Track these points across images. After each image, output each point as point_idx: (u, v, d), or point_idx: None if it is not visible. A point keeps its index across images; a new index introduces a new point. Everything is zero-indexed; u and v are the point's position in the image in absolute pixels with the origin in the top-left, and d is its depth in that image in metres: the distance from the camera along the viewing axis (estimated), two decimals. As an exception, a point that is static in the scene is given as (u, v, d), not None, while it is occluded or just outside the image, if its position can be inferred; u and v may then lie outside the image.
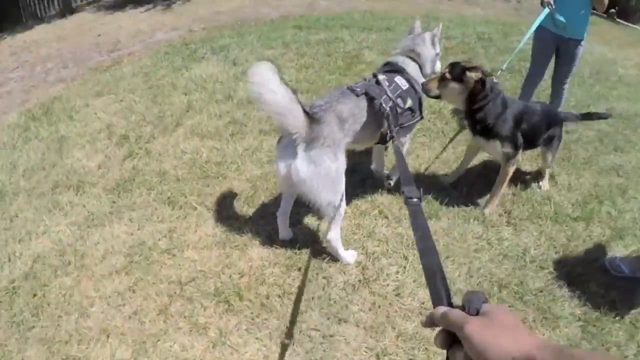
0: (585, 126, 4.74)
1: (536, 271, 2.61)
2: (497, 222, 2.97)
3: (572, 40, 3.68)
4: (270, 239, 2.57)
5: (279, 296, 2.26)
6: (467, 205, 3.06)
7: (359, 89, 2.36)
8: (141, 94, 4.19)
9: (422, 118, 2.75)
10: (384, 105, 2.36)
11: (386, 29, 6.37)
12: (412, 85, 2.58)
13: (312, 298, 2.25)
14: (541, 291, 2.47)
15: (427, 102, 2.95)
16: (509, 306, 2.34)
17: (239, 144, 3.36)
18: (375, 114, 2.39)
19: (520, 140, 2.92)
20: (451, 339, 0.60)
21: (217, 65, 4.70)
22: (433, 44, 2.81)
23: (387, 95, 2.41)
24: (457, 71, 2.62)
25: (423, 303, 2.29)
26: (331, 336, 2.09)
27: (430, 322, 0.64)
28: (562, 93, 4.04)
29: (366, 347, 2.08)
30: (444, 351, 0.62)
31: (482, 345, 0.54)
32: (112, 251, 2.52)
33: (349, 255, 2.43)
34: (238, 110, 3.79)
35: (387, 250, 2.57)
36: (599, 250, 2.92)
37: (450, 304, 0.68)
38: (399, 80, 2.53)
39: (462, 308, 0.63)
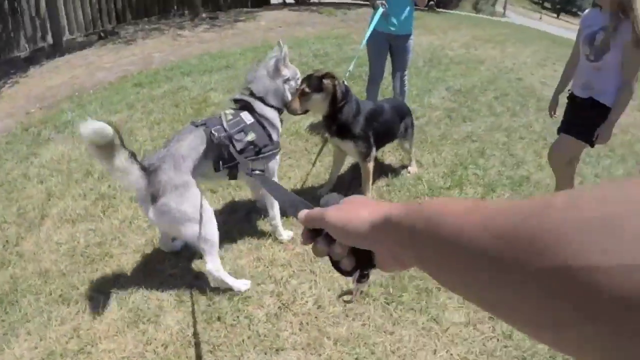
0: (431, 109, 5.53)
1: None
2: None
3: (402, 36, 4.29)
4: (179, 300, 2.58)
5: (210, 351, 2.30)
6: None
7: (199, 122, 2.62)
8: None
9: (274, 152, 2.85)
10: (214, 133, 2.51)
11: (226, 67, 6.62)
12: (258, 121, 2.75)
13: (242, 341, 2.33)
14: None
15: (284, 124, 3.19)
16: (417, 278, 2.71)
17: (114, 218, 3.29)
18: (214, 148, 2.56)
19: (372, 139, 3.30)
20: (327, 243, 0.64)
21: (65, 143, 4.53)
22: (275, 72, 2.87)
23: (222, 126, 2.59)
24: (314, 82, 2.98)
25: (345, 307, 2.52)
26: (275, 368, 2.21)
27: (305, 238, 0.68)
28: (404, 85, 4.65)
29: None
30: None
31: (342, 222, 0.59)
32: (20, 374, 2.30)
33: (240, 284, 2.59)
34: (101, 184, 3.72)
35: (294, 271, 2.78)
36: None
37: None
38: (245, 115, 2.72)
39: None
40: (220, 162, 2.59)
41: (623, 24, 2.73)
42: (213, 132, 2.52)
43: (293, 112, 3.00)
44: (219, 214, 3.28)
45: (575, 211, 0.32)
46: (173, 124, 4.71)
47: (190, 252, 2.74)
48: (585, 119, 3.07)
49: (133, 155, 2.25)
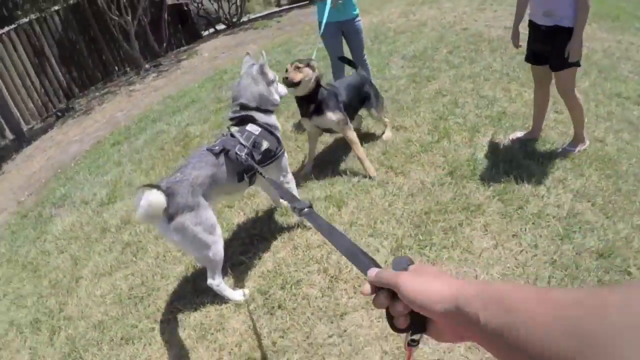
0: (395, 79, 5.80)
1: (440, 188, 3.37)
2: (388, 177, 3.62)
3: (350, 20, 4.51)
4: (236, 305, 2.73)
5: (282, 336, 2.47)
6: (355, 178, 3.68)
7: (216, 148, 2.67)
8: (20, 279, 3.97)
9: (283, 151, 3.04)
10: (239, 153, 2.63)
11: (192, 102, 6.80)
12: (264, 128, 2.87)
13: (308, 318, 2.54)
14: (454, 198, 3.20)
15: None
16: (440, 221, 2.99)
17: (147, 258, 3.41)
18: (234, 165, 2.70)
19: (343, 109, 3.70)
20: (390, 297, 0.67)
21: (71, 214, 4.63)
22: (261, 76, 2.96)
23: (242, 144, 2.70)
24: (304, 61, 3.48)
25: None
26: (344, 332, 2.42)
27: (368, 288, 0.71)
28: (366, 64, 4.88)
29: (377, 318, 2.43)
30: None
31: (414, 293, 0.62)
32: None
33: (237, 294, 2.75)
34: (121, 235, 3.84)
35: (330, 249, 2.93)
36: (472, 147, 3.86)
37: (379, 267, 0.75)
38: (251, 127, 2.83)
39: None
40: (244, 174, 2.75)
41: None
42: (238, 152, 2.63)
43: (290, 82, 3.38)
44: (243, 224, 3.51)
45: (630, 316, 0.38)
46: (167, 164, 4.84)
47: (227, 263, 2.90)
48: (560, 49, 3.27)
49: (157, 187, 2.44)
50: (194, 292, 2.91)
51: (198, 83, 8.09)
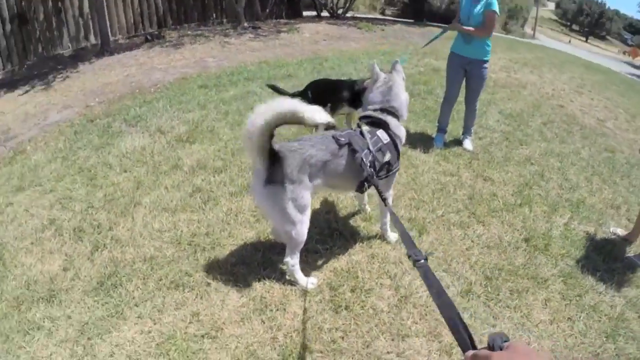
0: (490, 130, 5.70)
1: (514, 251, 3.35)
2: (470, 222, 3.57)
3: (476, 61, 4.59)
4: (303, 290, 2.62)
5: (342, 337, 2.36)
6: (439, 211, 3.62)
7: (343, 139, 2.54)
8: (72, 180, 3.88)
9: (398, 167, 2.89)
10: (364, 160, 2.50)
11: (288, 76, 6.72)
12: (392, 140, 2.71)
13: (371, 329, 2.44)
14: (525, 265, 3.20)
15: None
16: (508, 281, 2.99)
17: (217, 211, 3.29)
18: (352, 164, 2.54)
19: None
20: None
21: (143, 137, 4.56)
22: (403, 86, 2.92)
23: (369, 149, 2.56)
24: None
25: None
26: (402, 353, 2.35)
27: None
28: (474, 110, 4.93)
29: (435, 350, 2.36)
30: None
31: None
32: (136, 357, 2.24)
33: (307, 281, 2.63)
34: (193, 177, 3.72)
35: (405, 269, 2.88)
36: (549, 223, 3.84)
37: (474, 346, 0.85)
38: (381, 134, 2.67)
39: (489, 346, 0.79)
40: (364, 182, 2.62)
41: None
42: (363, 159, 2.51)
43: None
44: (325, 211, 3.40)
45: None
46: None
47: (306, 245, 2.72)
48: None
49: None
50: (261, 262, 2.78)
51: (296, 60, 8.03)
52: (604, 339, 2.76)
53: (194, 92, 5.89)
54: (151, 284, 2.67)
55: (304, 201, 2.46)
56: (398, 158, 2.81)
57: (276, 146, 2.38)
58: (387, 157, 2.68)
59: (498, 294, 2.88)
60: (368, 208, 3.41)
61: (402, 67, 3.16)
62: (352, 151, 2.54)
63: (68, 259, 2.96)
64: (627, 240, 3.98)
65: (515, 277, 3.07)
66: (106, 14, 8.94)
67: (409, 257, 1.34)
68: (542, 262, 3.32)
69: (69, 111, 5.94)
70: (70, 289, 2.71)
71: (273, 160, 2.36)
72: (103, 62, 8.30)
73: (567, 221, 4.00)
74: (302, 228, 2.50)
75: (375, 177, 2.54)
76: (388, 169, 2.73)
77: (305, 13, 16.56)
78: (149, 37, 9.87)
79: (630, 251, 3.86)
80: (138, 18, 10.37)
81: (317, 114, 2.25)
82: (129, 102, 5.88)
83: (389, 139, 2.70)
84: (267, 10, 13.10)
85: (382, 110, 2.80)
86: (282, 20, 13.67)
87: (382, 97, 2.85)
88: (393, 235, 3.09)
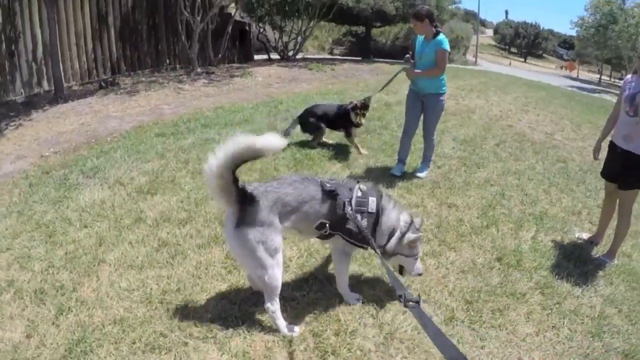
0: (447, 158, 5.79)
1: (489, 271, 3.43)
2: (441, 249, 3.60)
3: (431, 94, 4.83)
4: (286, 340, 2.49)
5: None
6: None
7: (329, 185, 2.50)
8: (30, 237, 3.60)
9: (363, 245, 2.64)
10: (347, 207, 2.44)
11: (244, 121, 6.66)
12: (377, 214, 2.59)
13: None
14: (501, 283, 3.28)
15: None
16: (489, 302, 3.04)
17: (186, 265, 3.12)
18: (328, 213, 2.48)
19: None
20: None
21: (102, 189, 4.35)
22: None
23: (349, 201, 2.49)
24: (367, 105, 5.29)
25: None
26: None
27: None
28: (432, 142, 5.10)
29: None
30: None
31: None
32: None
33: (287, 328, 2.50)
34: (159, 231, 3.54)
35: (386, 305, 2.85)
36: (517, 239, 3.99)
37: None
38: (372, 202, 2.57)
39: None
40: (328, 225, 2.52)
41: None
42: (347, 205, 2.46)
43: (359, 125, 5.42)
44: (297, 259, 3.28)
45: None
46: None
47: (282, 294, 2.59)
48: (632, 174, 3.64)
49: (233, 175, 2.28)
50: (239, 315, 2.62)
51: (251, 104, 8.00)
52: (591, 339, 2.89)
53: (151, 141, 5.72)
54: (124, 348, 2.45)
55: (274, 244, 2.36)
56: (374, 236, 2.61)
57: (250, 187, 2.34)
58: (364, 223, 2.54)
59: (481, 316, 2.89)
60: None
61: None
62: (333, 198, 2.48)
63: (31, 324, 2.70)
64: (593, 242, 4.18)
65: (494, 296, 3.11)
66: (60, 59, 8.66)
67: (400, 297, 1.27)
68: (517, 277, 3.40)
69: (22, 162, 5.61)
70: (36, 357, 2.46)
71: (245, 202, 2.30)
72: (57, 109, 8.01)
73: (534, 234, 4.15)
74: (274, 272, 2.38)
75: (354, 217, 2.45)
76: (359, 237, 2.55)
77: (256, 57, 16.76)
78: (102, 83, 9.65)
79: (598, 252, 4.06)
80: (92, 64, 10.15)
81: (272, 139, 2.20)
82: (85, 152, 5.65)
83: (374, 211, 2.58)
84: (220, 55, 13.12)
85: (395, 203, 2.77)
86: (234, 65, 13.75)
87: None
88: (354, 296, 2.85)
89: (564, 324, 2.97)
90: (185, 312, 2.67)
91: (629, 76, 3.77)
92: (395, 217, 2.67)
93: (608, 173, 3.97)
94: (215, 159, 2.17)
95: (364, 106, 5.46)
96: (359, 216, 2.50)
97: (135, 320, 2.62)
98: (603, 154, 4.07)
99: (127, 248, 3.37)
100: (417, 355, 2.48)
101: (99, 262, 3.23)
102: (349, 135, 5.58)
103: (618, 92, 3.77)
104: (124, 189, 4.33)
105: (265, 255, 2.33)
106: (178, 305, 2.73)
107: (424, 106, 4.84)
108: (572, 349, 2.77)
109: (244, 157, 2.21)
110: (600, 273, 3.71)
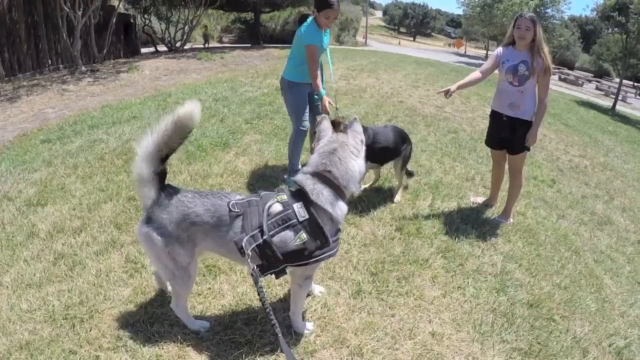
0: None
1: (390, 242, 3.63)
2: (342, 226, 3.57)
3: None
4: (198, 338, 2.42)
5: None
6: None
7: (237, 210, 2.13)
8: None
9: (329, 253, 2.20)
10: (245, 247, 2.04)
11: (133, 117, 6.38)
12: (315, 219, 2.10)
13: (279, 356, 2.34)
14: (404, 252, 3.49)
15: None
16: (393, 271, 3.19)
17: (86, 275, 2.96)
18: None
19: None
20: None
21: None
22: (358, 148, 2.27)
23: (261, 232, 2.07)
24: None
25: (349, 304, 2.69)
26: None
27: None
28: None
29: None
30: None
31: None
32: None
33: (197, 324, 2.45)
34: (53, 243, 3.32)
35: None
36: (414, 208, 4.23)
37: None
38: (298, 209, 2.11)
39: None
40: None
41: (538, 58, 3.73)
42: (245, 246, 2.05)
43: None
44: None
45: None
46: (108, 176, 4.39)
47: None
48: (520, 137, 3.94)
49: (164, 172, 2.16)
50: (146, 319, 2.53)
51: (139, 99, 7.67)
52: (496, 295, 3.12)
53: (37, 149, 5.30)
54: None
55: (181, 259, 2.18)
56: (325, 243, 2.14)
57: (169, 189, 2.18)
58: (300, 241, 2.10)
59: (387, 286, 3.02)
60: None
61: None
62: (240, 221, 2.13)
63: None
64: (487, 205, 4.52)
65: (398, 265, 3.27)
66: None
67: None
68: (419, 245, 3.59)
69: None
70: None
71: (159, 200, 2.13)
72: None
73: (431, 203, 4.40)
74: (183, 281, 2.26)
75: (256, 270, 2.02)
76: (303, 256, 2.13)
77: (143, 50, 16.05)
78: (-20, 92, 8.72)
79: (494, 214, 4.39)
80: (-34, 71, 9.10)
81: (191, 105, 2.04)
82: (-34, 167, 5.09)
83: (306, 216, 2.10)
84: (104, 51, 12.37)
85: (315, 174, 2.20)
86: (120, 60, 13.10)
87: (320, 160, 2.22)
88: (308, 325, 2.55)
89: (468, 283, 3.18)
90: (92, 325, 2.55)
91: (499, 48, 4.05)
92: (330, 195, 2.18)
93: (493, 141, 4.29)
94: (144, 143, 2.05)
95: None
96: (289, 232, 2.11)
97: (42, 342, 2.46)
98: (486, 123, 4.37)
99: (22, 266, 3.13)
100: (329, 332, 2.56)
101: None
102: None
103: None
104: (12, 203, 3.99)
105: (172, 264, 2.19)
106: (83, 318, 2.60)
107: (312, 97, 4.41)
108: (479, 306, 2.96)
109: (172, 138, 2.06)
110: (498, 232, 4.01)
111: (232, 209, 2.12)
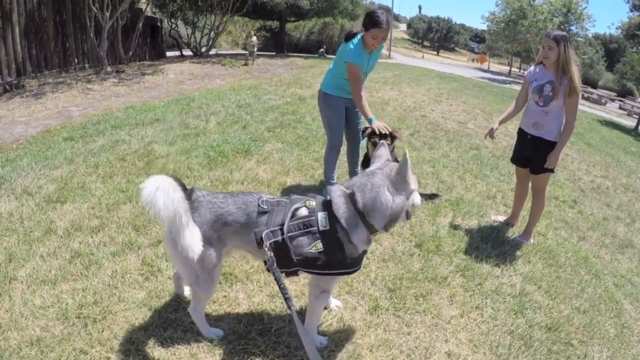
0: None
1: (409, 258, 3.56)
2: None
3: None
4: (212, 345, 2.41)
5: None
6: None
7: (266, 206, 2.18)
8: None
9: (347, 273, 2.23)
10: (265, 239, 2.07)
11: (156, 120, 6.42)
12: (335, 229, 2.08)
13: None
14: (422, 269, 3.42)
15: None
16: (411, 288, 3.13)
17: (101, 275, 2.96)
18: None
19: None
20: None
21: (9, 200, 4.00)
22: (402, 182, 2.11)
23: (281, 230, 2.10)
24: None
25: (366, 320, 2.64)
26: None
27: None
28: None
29: None
30: None
31: None
32: None
33: (211, 332, 2.44)
34: (70, 241, 3.33)
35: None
36: (435, 225, 4.14)
37: None
38: (322, 218, 2.10)
39: None
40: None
41: (564, 79, 3.63)
42: (264, 238, 2.08)
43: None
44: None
45: None
46: (128, 177, 4.40)
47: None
48: (542, 157, 3.86)
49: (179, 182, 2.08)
50: (160, 324, 2.52)
51: (163, 102, 7.76)
52: (514, 316, 3.04)
53: (59, 146, 5.37)
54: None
55: (209, 260, 2.18)
56: (343, 259, 2.10)
57: (197, 192, 2.19)
58: (318, 247, 2.07)
59: (405, 303, 2.95)
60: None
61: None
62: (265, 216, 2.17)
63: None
64: (508, 224, 4.42)
65: (416, 282, 3.19)
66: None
67: None
68: (438, 262, 3.52)
69: None
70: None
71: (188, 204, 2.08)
72: (-43, 114, 7.32)
73: (451, 220, 4.30)
74: (206, 285, 2.26)
75: (275, 265, 2.04)
76: (315, 265, 2.10)
77: (168, 53, 16.29)
78: (7, 86, 8.98)
79: (514, 233, 4.29)
80: (-6, 65, 9.29)
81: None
82: (-12, 160, 5.18)
83: (327, 227, 2.07)
84: (130, 53, 12.57)
85: (350, 195, 2.14)
86: (145, 62, 13.26)
87: (356, 180, 2.20)
88: (322, 339, 2.52)
89: (486, 303, 3.10)
90: (104, 326, 2.53)
91: (532, 67, 4.03)
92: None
93: (518, 159, 4.24)
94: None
95: (385, 136, 3.96)
96: (306, 239, 2.09)
97: (53, 340, 2.45)
98: (508, 140, 4.33)
99: (38, 262, 3.14)
100: (344, 348, 2.50)
101: (10, 280, 2.99)
102: None
103: (526, 82, 4.04)
104: (32, 198, 4.03)
105: (198, 267, 2.18)
106: (96, 318, 2.59)
107: (348, 112, 4.29)
108: (497, 327, 2.89)
109: None
110: (518, 253, 3.92)
111: (260, 205, 2.18)
